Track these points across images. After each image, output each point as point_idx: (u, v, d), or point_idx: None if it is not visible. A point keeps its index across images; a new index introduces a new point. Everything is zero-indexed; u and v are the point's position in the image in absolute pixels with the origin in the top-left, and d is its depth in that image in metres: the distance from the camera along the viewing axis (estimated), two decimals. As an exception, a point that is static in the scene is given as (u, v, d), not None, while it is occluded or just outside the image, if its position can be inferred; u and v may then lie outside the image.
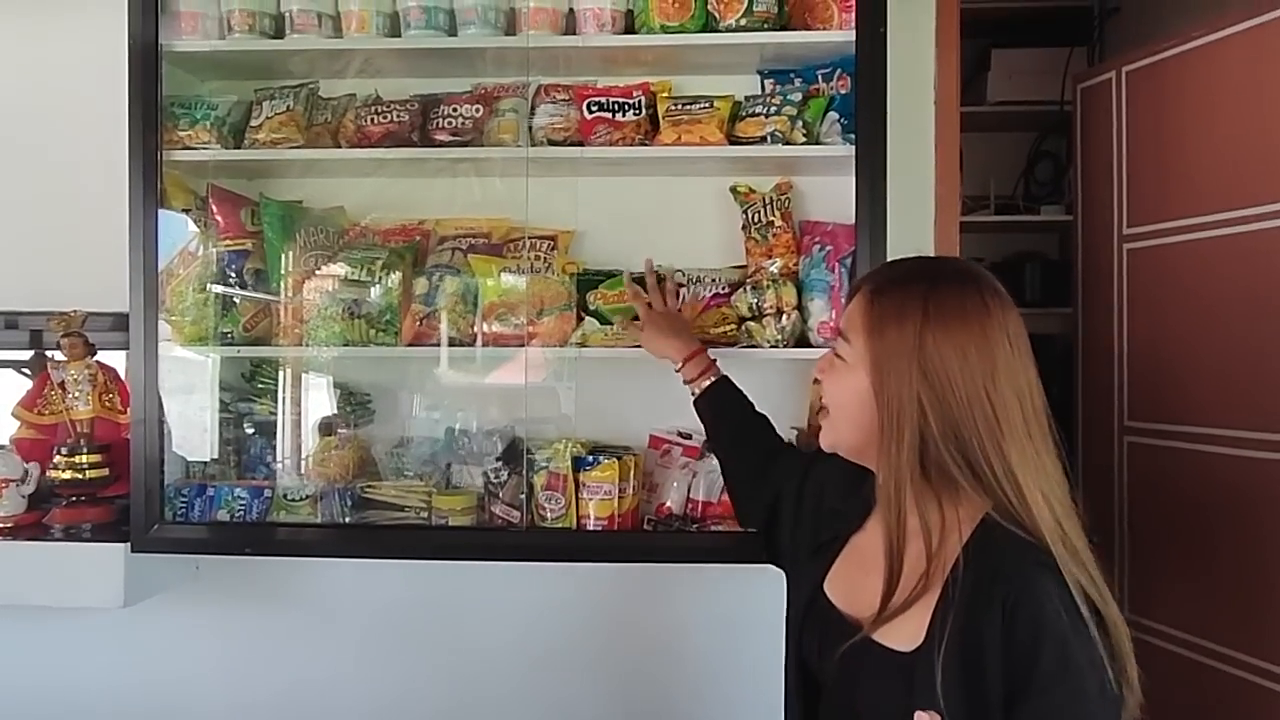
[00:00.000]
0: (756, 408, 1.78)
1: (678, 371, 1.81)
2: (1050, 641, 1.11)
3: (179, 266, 2.07)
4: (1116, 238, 2.74)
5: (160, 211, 2.00)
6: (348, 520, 2.05)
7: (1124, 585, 2.69)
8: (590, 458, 2.01)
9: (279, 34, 2.06)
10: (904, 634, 1.20)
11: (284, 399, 2.16)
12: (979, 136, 3.79)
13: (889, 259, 1.83)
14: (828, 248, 2.00)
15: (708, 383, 1.77)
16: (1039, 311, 3.66)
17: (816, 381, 1.37)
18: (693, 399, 1.79)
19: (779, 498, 1.58)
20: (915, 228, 2.16)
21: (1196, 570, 2.47)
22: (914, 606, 1.20)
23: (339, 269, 2.09)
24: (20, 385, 2.29)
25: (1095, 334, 2.84)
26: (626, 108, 2.03)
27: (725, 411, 1.77)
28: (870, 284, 1.29)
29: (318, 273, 2.10)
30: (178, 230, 2.06)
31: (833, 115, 2.00)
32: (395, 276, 2.06)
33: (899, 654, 1.21)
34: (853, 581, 1.33)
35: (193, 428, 2.14)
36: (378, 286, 2.07)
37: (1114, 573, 2.69)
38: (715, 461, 2.04)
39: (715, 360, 1.82)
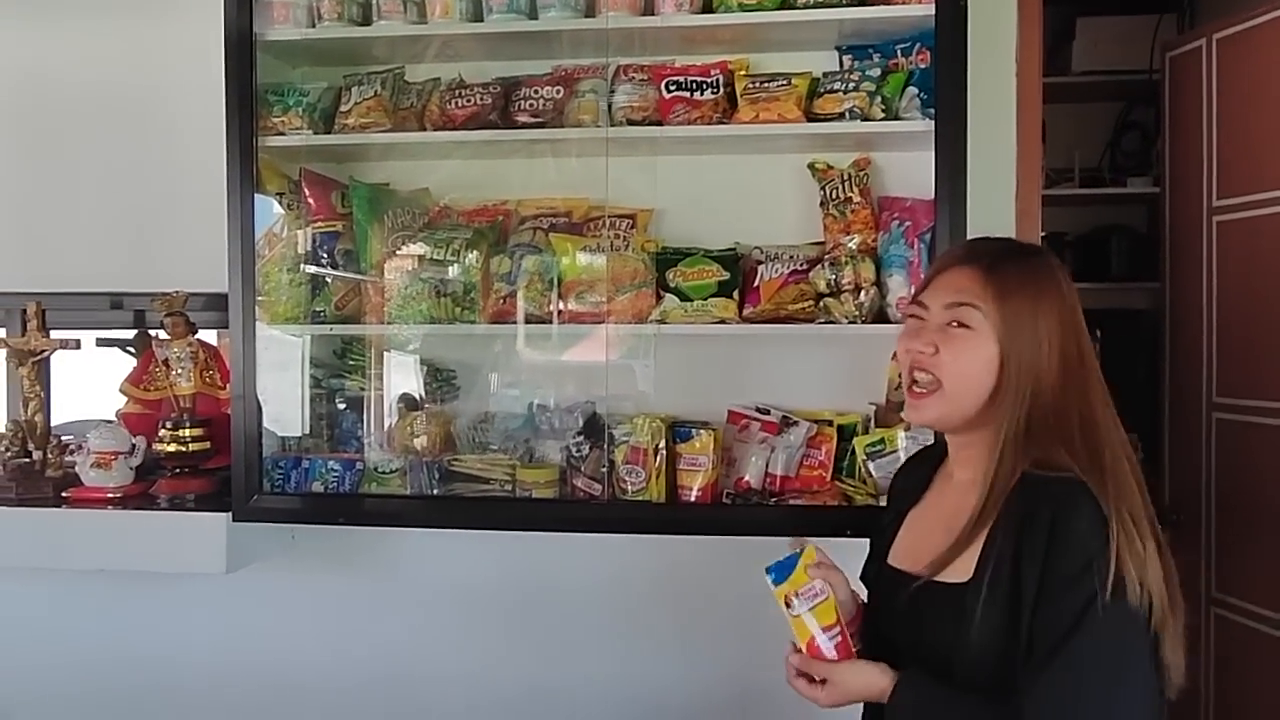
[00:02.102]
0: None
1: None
2: (1077, 549, 1.21)
3: (264, 248, 2.15)
4: (1206, 210, 2.67)
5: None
6: (435, 492, 2.12)
7: (1210, 563, 2.64)
8: (689, 430, 2.05)
9: (366, 21, 2.12)
10: (959, 569, 1.30)
11: (373, 375, 2.24)
12: (1064, 108, 3.71)
13: (969, 235, 1.84)
14: (906, 223, 2.01)
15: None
16: (1125, 286, 3.59)
17: (895, 358, 1.40)
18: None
19: None
20: (996, 202, 2.14)
21: (1285, 549, 2.42)
22: (971, 544, 1.30)
23: (424, 249, 2.15)
24: (126, 363, 2.41)
25: (1183, 308, 2.78)
26: (704, 86, 2.05)
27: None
28: (983, 258, 1.35)
29: (403, 253, 2.17)
30: (263, 213, 2.14)
31: (912, 90, 1.99)
32: (477, 255, 2.12)
33: (953, 586, 1.30)
34: (917, 544, 1.41)
35: (287, 403, 2.23)
36: (460, 266, 2.13)
37: (1200, 550, 2.66)
38: (793, 436, 2.08)
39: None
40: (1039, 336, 1.29)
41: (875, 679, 1.32)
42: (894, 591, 1.39)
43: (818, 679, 1.35)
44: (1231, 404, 2.61)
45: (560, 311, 2.10)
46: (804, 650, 1.37)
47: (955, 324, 1.33)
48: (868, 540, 1.59)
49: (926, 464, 1.51)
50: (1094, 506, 1.22)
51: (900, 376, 1.42)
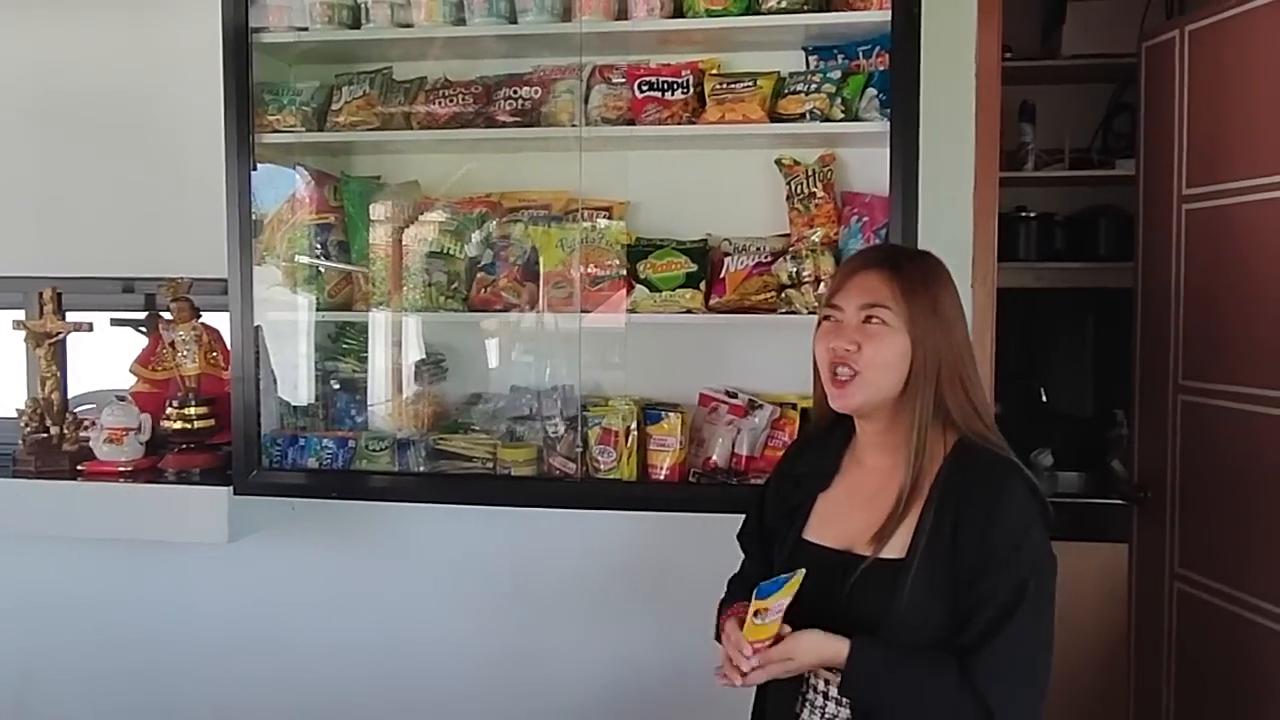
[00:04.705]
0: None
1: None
2: (1015, 523, 1.40)
3: (287, 212, 2.28)
4: (1176, 197, 2.73)
5: (265, 166, 2.24)
6: (422, 469, 2.26)
7: (1174, 540, 2.74)
8: (659, 412, 2.17)
9: (356, 24, 2.23)
10: (895, 545, 1.44)
11: (365, 359, 2.37)
12: (1056, 89, 3.77)
13: (920, 232, 1.95)
14: (865, 218, 2.10)
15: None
16: (1112, 266, 3.65)
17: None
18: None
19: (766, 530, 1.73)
20: (955, 197, 2.25)
21: (1241, 528, 2.51)
22: (905, 521, 1.44)
23: (413, 240, 2.27)
24: (138, 343, 2.55)
25: (1153, 292, 2.85)
26: (675, 87, 2.15)
27: None
28: (885, 263, 1.51)
29: (391, 242, 2.28)
30: (285, 181, 2.29)
31: (871, 91, 2.07)
32: (462, 246, 2.25)
33: (889, 562, 1.44)
34: (834, 524, 1.54)
35: (298, 381, 2.38)
36: (447, 256, 2.25)
37: (1164, 527, 2.75)
38: (758, 418, 2.19)
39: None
40: (939, 325, 1.46)
41: (827, 644, 1.41)
42: (820, 566, 1.49)
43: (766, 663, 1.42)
44: (1197, 387, 2.68)
45: (540, 300, 2.22)
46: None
47: (869, 321, 1.47)
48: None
49: (831, 450, 1.61)
50: (1023, 480, 1.43)
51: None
